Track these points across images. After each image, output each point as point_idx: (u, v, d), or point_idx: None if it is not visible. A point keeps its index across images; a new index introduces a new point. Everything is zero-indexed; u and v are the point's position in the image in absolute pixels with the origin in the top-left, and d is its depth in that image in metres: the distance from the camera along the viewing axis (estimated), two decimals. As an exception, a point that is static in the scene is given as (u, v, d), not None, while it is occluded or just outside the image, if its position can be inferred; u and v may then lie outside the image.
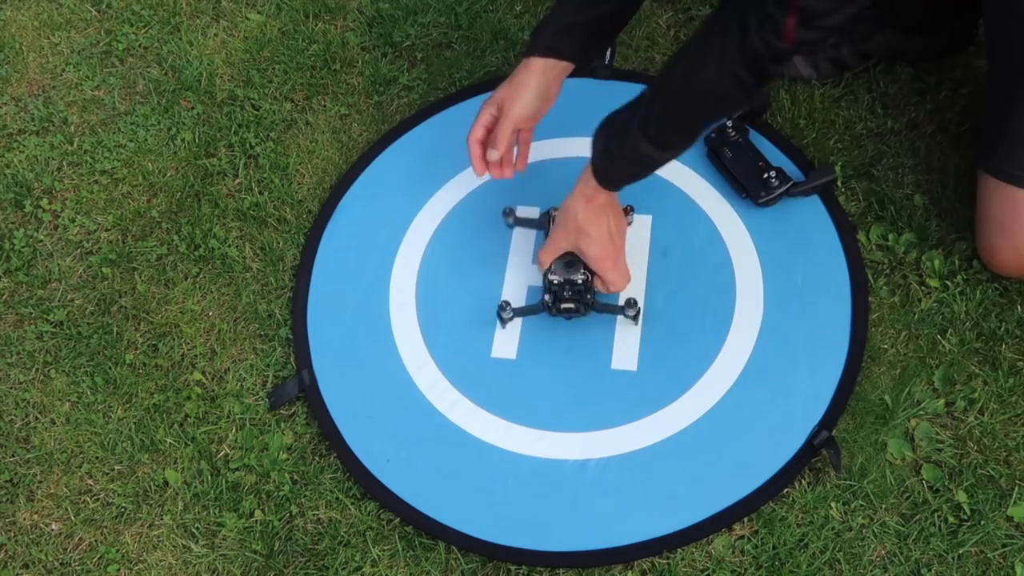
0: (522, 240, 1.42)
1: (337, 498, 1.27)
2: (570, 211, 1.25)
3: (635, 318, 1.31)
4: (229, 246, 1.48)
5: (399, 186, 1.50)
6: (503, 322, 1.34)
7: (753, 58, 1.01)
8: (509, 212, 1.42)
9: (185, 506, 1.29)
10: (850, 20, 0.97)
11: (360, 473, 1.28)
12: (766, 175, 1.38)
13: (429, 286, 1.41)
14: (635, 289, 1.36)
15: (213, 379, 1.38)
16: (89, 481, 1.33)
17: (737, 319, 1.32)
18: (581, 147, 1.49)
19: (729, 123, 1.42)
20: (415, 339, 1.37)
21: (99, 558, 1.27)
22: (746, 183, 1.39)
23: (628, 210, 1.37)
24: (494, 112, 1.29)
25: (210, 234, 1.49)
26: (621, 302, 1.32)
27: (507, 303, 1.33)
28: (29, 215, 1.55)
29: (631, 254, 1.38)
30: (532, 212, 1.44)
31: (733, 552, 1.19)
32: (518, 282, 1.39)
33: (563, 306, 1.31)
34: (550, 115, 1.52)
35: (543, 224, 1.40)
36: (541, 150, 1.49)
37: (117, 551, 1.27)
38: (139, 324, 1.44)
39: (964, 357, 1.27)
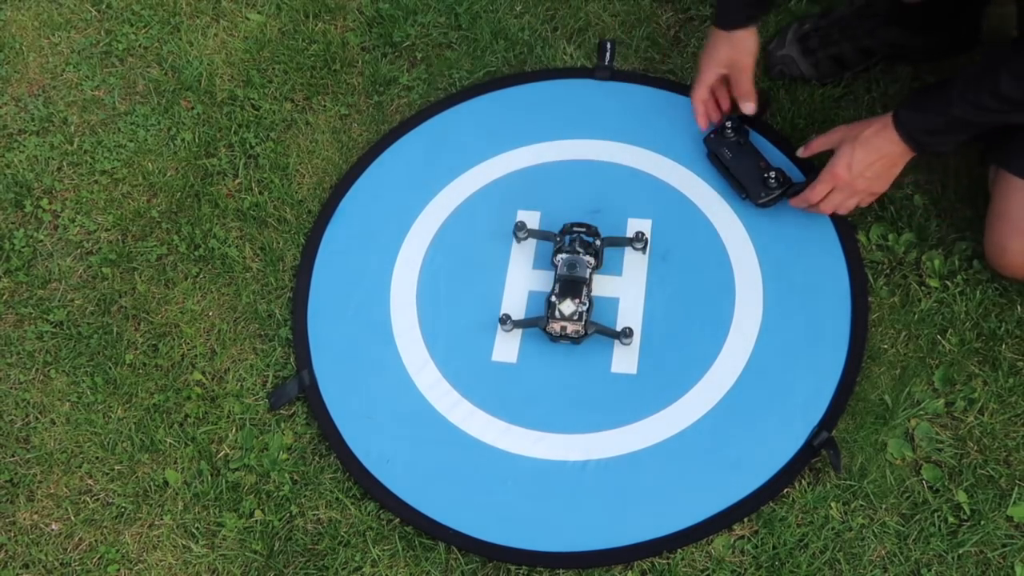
0: (524, 244, 1.42)
1: (337, 498, 1.27)
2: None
3: (628, 343, 1.32)
4: (229, 246, 1.48)
5: (400, 187, 1.50)
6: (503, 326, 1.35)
7: None
8: (521, 227, 1.41)
9: (185, 506, 1.29)
10: None
11: (360, 473, 1.28)
12: (766, 176, 1.37)
13: (430, 288, 1.41)
14: (635, 292, 1.36)
15: (213, 379, 1.38)
16: (89, 481, 1.33)
17: (737, 320, 1.32)
18: (581, 149, 1.50)
19: (728, 124, 1.42)
20: (415, 340, 1.37)
21: (99, 558, 1.27)
22: (746, 184, 1.39)
23: (640, 235, 1.38)
24: (722, 72, 1.39)
25: (210, 234, 1.49)
26: (618, 327, 1.32)
27: (507, 316, 1.34)
28: (29, 215, 1.55)
29: (631, 260, 1.39)
30: (536, 216, 1.44)
31: (733, 552, 1.19)
32: (519, 286, 1.39)
33: (563, 310, 1.31)
34: (549, 118, 1.53)
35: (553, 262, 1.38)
36: (542, 153, 1.49)
37: (117, 551, 1.27)
38: (139, 324, 1.44)
39: (964, 357, 1.27)
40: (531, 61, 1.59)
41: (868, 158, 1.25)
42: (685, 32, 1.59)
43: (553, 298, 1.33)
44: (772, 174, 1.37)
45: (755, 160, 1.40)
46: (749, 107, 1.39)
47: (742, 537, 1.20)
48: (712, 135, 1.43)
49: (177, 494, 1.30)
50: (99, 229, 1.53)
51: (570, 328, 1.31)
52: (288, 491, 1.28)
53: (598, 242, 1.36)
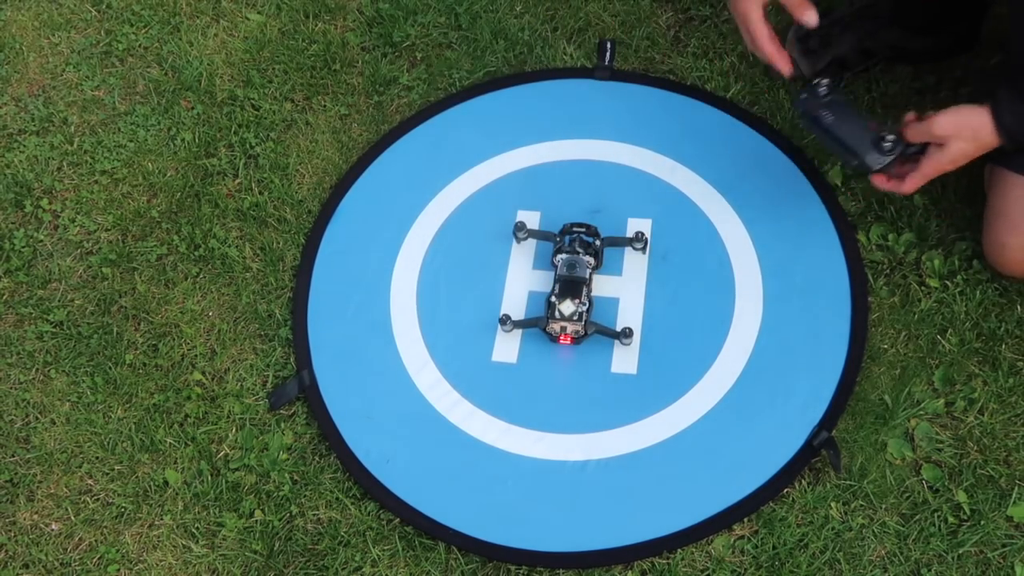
0: (524, 244, 1.42)
1: (337, 498, 1.27)
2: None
3: (628, 343, 1.32)
4: (229, 246, 1.48)
5: (400, 187, 1.50)
6: (503, 327, 1.35)
7: None
8: (521, 227, 1.40)
9: (185, 506, 1.29)
10: None
11: (360, 473, 1.28)
12: (880, 137, 1.19)
13: (430, 288, 1.41)
14: (635, 292, 1.36)
15: (213, 379, 1.38)
16: (89, 481, 1.33)
17: (737, 320, 1.32)
18: (581, 149, 1.50)
19: (821, 83, 1.24)
20: (415, 340, 1.37)
21: (99, 558, 1.27)
22: (858, 148, 1.20)
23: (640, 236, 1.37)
24: (766, 3, 1.23)
25: (210, 234, 1.49)
26: (618, 327, 1.32)
27: (507, 316, 1.34)
28: (29, 215, 1.55)
29: (631, 260, 1.39)
30: (536, 216, 1.44)
31: (733, 552, 1.19)
32: (519, 286, 1.39)
33: (563, 309, 1.31)
34: (549, 118, 1.53)
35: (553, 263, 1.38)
36: (542, 153, 1.49)
37: (117, 551, 1.27)
38: (139, 324, 1.44)
39: (964, 357, 1.27)
40: (531, 61, 1.59)
41: (973, 154, 1.17)
42: (685, 32, 1.59)
43: (553, 298, 1.33)
44: (890, 137, 1.19)
45: (861, 121, 1.22)
46: (811, 16, 1.22)
47: (742, 537, 1.20)
48: (804, 96, 1.26)
49: (177, 494, 1.30)
50: (99, 229, 1.53)
51: (570, 328, 1.31)
52: (288, 491, 1.28)
53: (598, 242, 1.36)
